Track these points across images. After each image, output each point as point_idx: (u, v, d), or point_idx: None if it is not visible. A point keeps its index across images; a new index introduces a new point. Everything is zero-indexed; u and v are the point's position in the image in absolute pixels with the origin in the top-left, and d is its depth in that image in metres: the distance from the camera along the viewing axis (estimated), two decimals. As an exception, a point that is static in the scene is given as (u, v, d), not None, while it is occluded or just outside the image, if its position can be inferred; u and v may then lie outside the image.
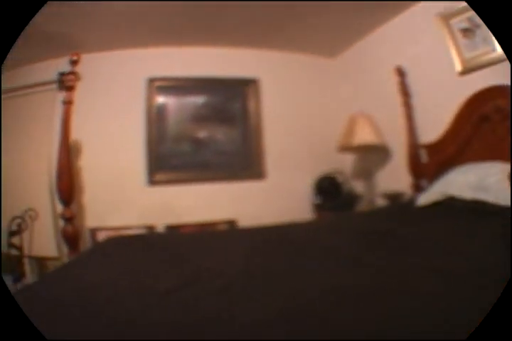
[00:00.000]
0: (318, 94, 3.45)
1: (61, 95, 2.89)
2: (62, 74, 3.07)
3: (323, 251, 1.52)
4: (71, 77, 2.58)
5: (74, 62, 2.62)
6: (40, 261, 3.02)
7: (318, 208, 3.23)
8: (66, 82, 2.56)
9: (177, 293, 1.12)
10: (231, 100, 3.27)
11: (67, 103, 2.50)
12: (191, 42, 3.13)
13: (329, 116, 3.39)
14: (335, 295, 1.00)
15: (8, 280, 2.30)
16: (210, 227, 3.02)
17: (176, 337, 0.83)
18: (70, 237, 2.35)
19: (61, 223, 2.41)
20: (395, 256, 1.34)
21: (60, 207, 2.43)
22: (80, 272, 1.45)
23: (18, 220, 2.28)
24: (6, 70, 3.25)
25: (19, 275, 2.22)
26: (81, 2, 2.40)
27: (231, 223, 3.08)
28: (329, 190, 3.10)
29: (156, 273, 1.38)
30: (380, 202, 3.03)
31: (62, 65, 3.03)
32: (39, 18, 2.51)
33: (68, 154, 2.39)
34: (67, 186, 2.35)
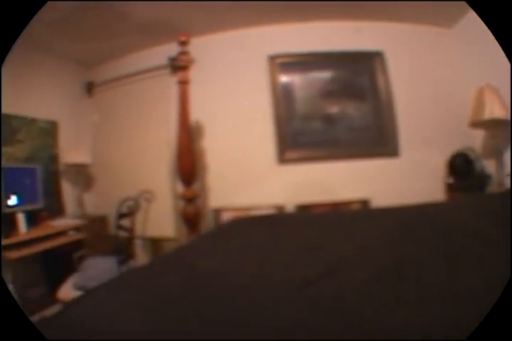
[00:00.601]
0: (442, 67, 3.15)
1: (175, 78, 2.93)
2: (173, 58, 3.10)
3: (473, 237, 1.28)
4: (183, 57, 2.55)
5: (183, 43, 2.59)
6: (155, 243, 3.10)
7: (450, 188, 2.97)
8: (179, 62, 2.53)
9: (315, 285, 0.95)
10: (358, 74, 3.07)
11: (183, 83, 2.46)
12: (311, 17, 2.97)
13: (456, 90, 3.08)
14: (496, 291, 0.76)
15: (112, 262, 2.31)
16: (342, 207, 2.87)
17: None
18: (191, 218, 2.33)
19: (181, 204, 2.38)
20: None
21: (180, 188, 2.41)
22: (199, 257, 1.35)
23: (130, 202, 2.26)
24: (117, 58, 3.36)
25: (126, 258, 2.21)
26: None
27: (364, 203, 2.91)
28: (462, 169, 2.83)
29: (288, 261, 1.22)
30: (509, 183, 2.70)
31: (173, 49, 3.10)
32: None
33: (188, 135, 2.36)
34: (188, 167, 2.33)
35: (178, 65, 2.53)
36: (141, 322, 0.82)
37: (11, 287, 2.54)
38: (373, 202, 2.94)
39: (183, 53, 2.56)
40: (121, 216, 2.21)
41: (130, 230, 2.31)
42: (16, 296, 2.57)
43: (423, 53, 3.15)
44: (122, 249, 2.22)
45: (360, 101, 3.02)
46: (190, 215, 2.33)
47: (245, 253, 1.37)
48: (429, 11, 3.02)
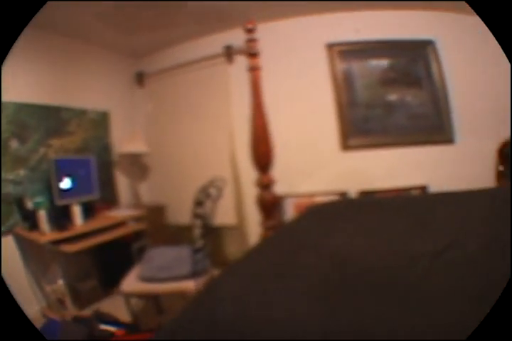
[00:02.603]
0: (492, 56, 3.17)
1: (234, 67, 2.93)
2: (228, 47, 3.10)
3: None
4: (252, 43, 2.54)
5: (250, 31, 2.58)
6: (220, 231, 3.08)
7: (501, 175, 2.99)
8: (249, 50, 2.52)
9: (444, 255, 1.04)
10: (414, 62, 3.10)
11: (254, 69, 2.45)
12: (366, 6, 3.00)
13: (506, 78, 3.11)
14: None
15: (181, 252, 2.28)
16: (402, 193, 2.88)
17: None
18: (269, 204, 2.30)
19: (255, 191, 2.36)
20: None
21: (251, 175, 2.38)
22: (316, 238, 1.36)
23: (207, 190, 2.22)
24: (169, 48, 3.35)
25: (202, 246, 2.18)
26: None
27: (423, 189, 2.93)
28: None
29: (410, 237, 1.27)
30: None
31: (228, 38, 3.09)
32: None
33: (264, 120, 2.35)
34: (265, 152, 2.30)
35: (249, 53, 2.51)
36: (296, 307, 0.84)
37: (60, 281, 2.49)
38: (431, 188, 2.96)
39: (252, 40, 2.55)
40: (199, 203, 2.16)
41: (204, 218, 2.25)
42: (66, 289, 2.54)
43: (475, 42, 3.18)
44: (197, 238, 2.17)
45: (417, 89, 3.06)
46: (268, 202, 2.30)
47: (363, 234, 1.37)
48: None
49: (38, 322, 2.20)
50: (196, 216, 2.16)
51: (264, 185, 2.31)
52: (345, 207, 1.91)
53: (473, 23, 3.22)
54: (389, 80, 3.02)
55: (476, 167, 3.04)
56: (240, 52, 2.95)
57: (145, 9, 2.75)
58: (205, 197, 2.22)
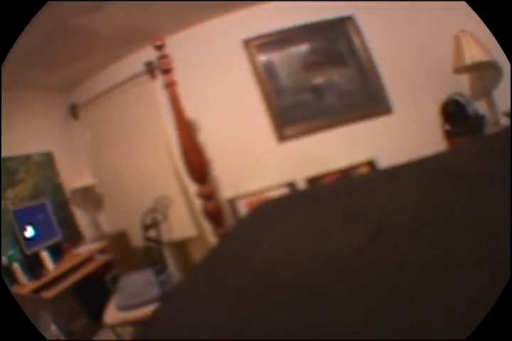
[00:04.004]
0: (415, 19, 3.19)
1: (157, 81, 2.93)
2: (149, 63, 3.10)
3: (491, 180, 1.31)
4: (164, 60, 2.55)
5: (160, 47, 2.58)
6: (181, 246, 3.11)
7: (449, 135, 3.04)
8: (161, 66, 2.53)
9: (367, 249, 1.01)
10: (334, 41, 3.12)
11: (170, 85, 2.46)
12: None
13: (435, 39, 3.13)
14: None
15: (148, 276, 2.30)
16: (351, 172, 2.92)
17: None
18: (214, 214, 2.33)
19: (199, 202, 2.39)
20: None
21: (193, 187, 2.41)
22: (248, 249, 1.37)
23: (152, 213, 2.27)
24: (94, 75, 3.35)
25: (161, 268, 2.21)
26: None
27: (371, 164, 2.96)
28: (455, 114, 2.89)
29: (336, 232, 1.28)
30: (504, 121, 2.80)
31: (145, 55, 3.10)
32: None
33: (189, 132, 2.37)
34: (198, 164, 2.33)
35: (162, 69, 2.53)
36: (227, 325, 0.86)
37: (53, 327, 2.51)
38: (379, 161, 2.99)
39: (163, 57, 2.56)
40: (147, 227, 2.20)
41: (158, 240, 2.30)
42: (60, 332, 2.55)
43: (395, 9, 3.19)
44: (155, 260, 2.21)
45: (343, 67, 3.07)
46: (213, 211, 2.33)
47: (290, 236, 1.39)
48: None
49: None
50: (148, 239, 2.19)
51: (206, 195, 2.34)
52: (277, 208, 1.93)
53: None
54: (312, 64, 3.04)
55: (420, 131, 3.08)
56: (147, 70, 2.97)
57: (60, 45, 2.74)
58: (151, 220, 2.26)
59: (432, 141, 3.05)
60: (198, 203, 2.97)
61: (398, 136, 3.09)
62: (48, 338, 2.52)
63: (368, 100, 3.08)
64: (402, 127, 3.11)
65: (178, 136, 2.38)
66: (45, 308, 2.56)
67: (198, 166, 2.33)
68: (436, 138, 3.09)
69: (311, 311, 0.80)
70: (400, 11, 3.16)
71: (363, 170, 2.95)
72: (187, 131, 2.38)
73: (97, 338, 2.72)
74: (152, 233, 2.28)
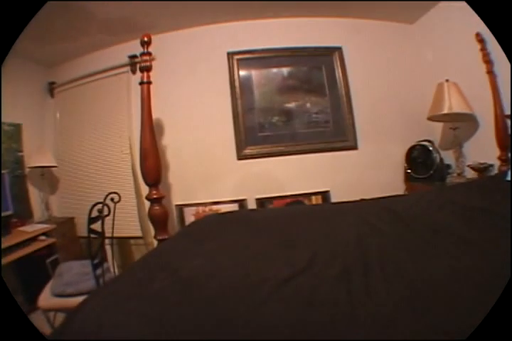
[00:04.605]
0: (401, 61, 3.22)
1: (137, 77, 2.91)
2: (132, 56, 3.08)
3: (433, 230, 1.39)
4: (146, 57, 2.52)
5: (146, 43, 2.55)
6: (123, 244, 3.11)
7: (410, 179, 3.08)
8: (142, 63, 2.50)
9: (291, 282, 1.02)
10: (316, 69, 3.13)
11: (146, 83, 2.44)
12: (269, 14, 2.99)
13: (415, 84, 3.17)
14: (459, 279, 0.90)
15: (86, 267, 2.30)
16: (302, 199, 2.95)
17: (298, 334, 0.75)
18: (159, 218, 2.32)
19: (147, 204, 2.38)
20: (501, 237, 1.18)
21: (145, 188, 2.40)
22: (180, 260, 1.36)
23: (99, 206, 2.26)
24: (79, 57, 3.32)
25: (100, 261, 2.21)
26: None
27: (324, 194, 2.99)
28: (421, 160, 2.94)
29: (266, 259, 1.28)
30: (469, 174, 2.86)
31: (132, 48, 3.07)
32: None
33: (152, 135, 2.35)
34: (153, 167, 2.32)
35: (141, 66, 2.50)
36: (142, 329, 0.87)
37: None
38: (333, 193, 3.03)
39: (146, 54, 2.53)
40: (92, 219, 2.19)
41: (101, 233, 2.29)
42: None
43: (382, 48, 3.22)
44: (94, 252, 2.20)
45: (319, 96, 3.10)
46: (158, 216, 2.32)
47: (224, 254, 1.40)
48: (393, 8, 3.06)
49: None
50: (91, 231, 2.18)
51: (154, 199, 2.33)
52: (218, 223, 1.95)
53: (382, 29, 3.27)
54: (288, 88, 3.04)
55: (382, 171, 3.11)
56: (130, 63, 2.95)
57: (56, 19, 2.71)
58: (98, 213, 2.25)
59: (391, 181, 3.10)
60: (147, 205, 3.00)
61: (358, 172, 3.13)
62: None
63: (336, 133, 3.11)
64: (364, 165, 3.15)
65: (141, 136, 2.37)
66: None
67: (152, 169, 2.32)
68: (396, 180, 3.13)
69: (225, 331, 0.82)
70: (390, 49, 3.19)
71: (315, 199, 2.98)
72: (150, 132, 2.36)
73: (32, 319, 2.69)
74: (96, 226, 2.26)
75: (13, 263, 2.59)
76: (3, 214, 2.82)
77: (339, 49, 3.13)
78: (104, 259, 2.45)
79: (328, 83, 3.11)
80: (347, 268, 1.07)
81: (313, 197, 2.98)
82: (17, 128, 3.25)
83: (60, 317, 2.57)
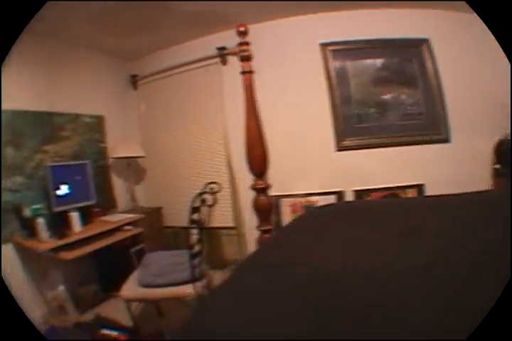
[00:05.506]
0: (488, 55, 3.15)
1: (226, 68, 2.91)
2: (221, 48, 3.08)
3: None
4: (245, 47, 2.51)
5: (242, 33, 2.54)
6: (213, 234, 3.09)
7: (497, 174, 3.00)
8: (241, 52, 2.49)
9: (432, 271, 0.96)
10: (408, 61, 3.09)
11: (247, 72, 2.43)
12: (360, 6, 2.96)
13: (507, 76, 3.10)
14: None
15: (176, 257, 2.29)
16: (398, 192, 2.90)
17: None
18: (263, 209, 2.30)
19: (251, 194, 2.36)
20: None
21: (247, 178, 2.37)
22: (307, 252, 1.31)
23: (203, 196, 2.22)
24: (162, 50, 3.33)
25: (198, 251, 2.17)
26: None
27: (419, 187, 2.94)
28: (507, 155, 2.85)
29: (396, 249, 1.21)
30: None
31: (220, 40, 3.08)
32: None
33: (258, 124, 2.33)
34: (260, 157, 2.29)
35: (241, 56, 2.49)
36: (279, 325, 0.82)
37: (61, 287, 2.49)
38: (427, 187, 2.97)
39: (244, 43, 2.52)
40: (195, 209, 2.15)
41: (202, 223, 2.24)
42: (66, 294, 2.54)
43: (470, 40, 3.16)
44: (194, 243, 2.16)
45: (411, 88, 3.04)
46: (263, 206, 2.30)
47: (350, 245, 1.33)
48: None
49: (40, 329, 2.25)
50: (192, 221, 2.14)
51: (260, 188, 2.30)
52: (337, 214, 1.89)
53: (468, 21, 3.22)
54: (382, 79, 3.01)
55: (471, 166, 3.04)
56: (233, 53, 2.94)
57: (135, 13, 2.72)
58: (200, 203, 2.21)
59: (480, 176, 3.03)
60: (243, 195, 2.99)
61: (449, 166, 3.06)
62: (49, 299, 2.50)
63: (429, 125, 3.05)
64: (455, 158, 3.07)
65: (246, 126, 2.35)
66: (58, 268, 2.55)
67: (259, 159, 2.30)
68: (484, 175, 3.06)
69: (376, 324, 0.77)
70: (477, 42, 3.14)
71: (410, 193, 2.92)
72: (256, 122, 2.34)
73: (102, 308, 2.70)
74: (197, 216, 2.22)
75: (94, 252, 2.57)
76: (85, 203, 2.85)
77: (427, 41, 3.08)
78: (202, 249, 2.39)
79: (419, 75, 3.06)
80: (476, 259, 1.01)
81: (409, 191, 2.92)
82: (99, 119, 3.28)
83: (140, 307, 2.56)
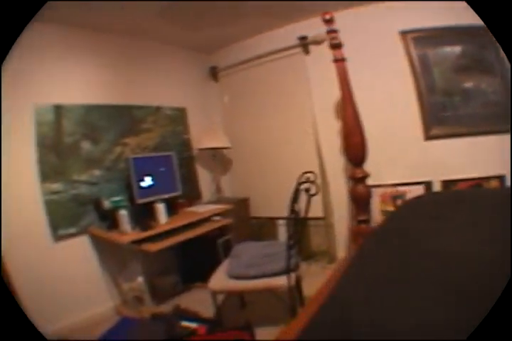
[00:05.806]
0: None
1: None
2: (303, 38, 3.05)
3: None
4: (334, 34, 2.48)
5: (328, 21, 2.51)
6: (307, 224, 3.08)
7: None
8: (332, 40, 2.46)
9: None
10: (485, 49, 2.95)
11: (340, 60, 2.40)
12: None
13: None
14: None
15: (266, 248, 2.27)
16: (482, 183, 2.79)
17: None
18: (362, 198, 2.27)
19: (341, 183, 2.32)
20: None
21: (338, 167, 2.34)
22: (430, 239, 1.29)
23: (304, 185, 2.16)
24: (241, 41, 3.34)
25: (295, 242, 2.10)
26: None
27: (501, 178, 2.81)
28: None
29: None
30: None
31: (300, 29, 3.05)
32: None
33: (355, 111, 2.30)
34: (359, 145, 2.26)
35: (332, 43, 2.46)
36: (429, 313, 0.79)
37: (140, 278, 2.44)
38: (507, 178, 2.80)
39: (333, 31, 2.49)
40: (295, 199, 2.12)
41: (299, 213, 2.19)
42: (145, 285, 2.47)
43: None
44: (292, 233, 2.11)
45: (490, 76, 2.89)
46: (361, 196, 2.27)
47: (469, 232, 1.28)
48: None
49: (110, 320, 2.25)
50: (292, 212, 2.10)
51: (358, 178, 2.27)
52: (443, 202, 1.82)
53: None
54: (463, 67, 2.89)
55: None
56: (319, 42, 2.91)
57: (208, 5, 2.70)
58: (299, 192, 2.16)
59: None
60: (334, 185, 2.98)
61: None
62: (125, 290, 2.49)
63: (508, 115, 2.88)
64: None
65: (343, 115, 2.32)
66: (137, 259, 2.52)
67: (358, 146, 2.27)
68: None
69: None
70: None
71: (493, 184, 2.79)
72: (352, 109, 2.31)
73: (181, 299, 2.69)
74: (297, 206, 2.17)
75: (178, 243, 2.51)
76: (170, 195, 2.89)
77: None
78: (299, 240, 2.33)
79: (496, 63, 2.91)
80: None
81: (491, 181, 2.80)
82: (181, 112, 3.35)
83: (220, 298, 2.39)
